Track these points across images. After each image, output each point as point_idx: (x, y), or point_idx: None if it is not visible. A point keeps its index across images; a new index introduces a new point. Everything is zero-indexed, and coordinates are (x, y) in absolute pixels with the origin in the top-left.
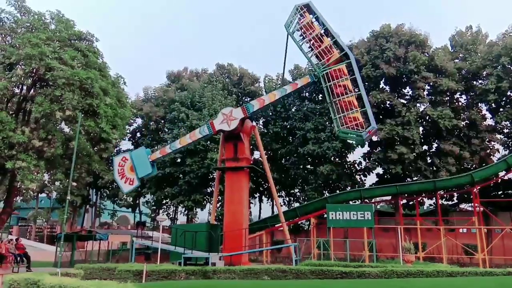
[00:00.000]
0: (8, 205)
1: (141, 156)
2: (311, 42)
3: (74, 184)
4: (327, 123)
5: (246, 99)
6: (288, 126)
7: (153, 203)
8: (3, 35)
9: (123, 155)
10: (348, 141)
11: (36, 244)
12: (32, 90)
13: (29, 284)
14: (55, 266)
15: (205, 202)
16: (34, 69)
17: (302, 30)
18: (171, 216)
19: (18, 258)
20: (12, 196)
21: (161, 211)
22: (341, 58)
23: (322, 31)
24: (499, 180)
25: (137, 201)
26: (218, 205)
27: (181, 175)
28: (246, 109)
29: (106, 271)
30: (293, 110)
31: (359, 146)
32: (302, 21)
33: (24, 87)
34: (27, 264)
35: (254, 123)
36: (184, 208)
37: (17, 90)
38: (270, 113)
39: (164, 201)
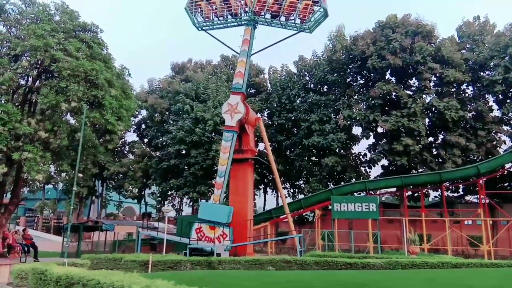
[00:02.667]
0: (15, 196)
1: (208, 209)
2: None
3: (80, 175)
4: (332, 115)
5: (250, 91)
6: (293, 118)
7: (158, 195)
8: (8, 27)
9: (196, 227)
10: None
11: (43, 234)
12: (37, 82)
13: (37, 274)
14: (62, 256)
15: (210, 193)
16: (39, 61)
17: None
18: (176, 207)
19: (26, 248)
20: (19, 187)
21: (166, 202)
22: None
23: None
24: (505, 171)
25: (143, 193)
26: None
27: (186, 167)
28: (237, 91)
29: (113, 261)
30: (297, 101)
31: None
32: None
33: (30, 79)
34: (35, 254)
35: (259, 115)
36: (189, 200)
37: (22, 82)
38: (275, 105)
39: (169, 193)
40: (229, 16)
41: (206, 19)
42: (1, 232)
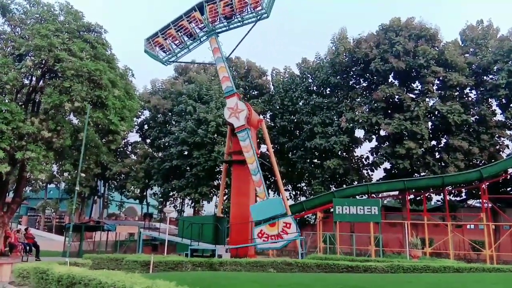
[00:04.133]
0: (18, 195)
1: (260, 209)
2: None
3: (83, 175)
4: (335, 117)
5: (253, 93)
6: (295, 120)
7: (160, 195)
8: (12, 26)
9: (257, 232)
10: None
11: (45, 234)
12: (41, 81)
13: (38, 273)
14: (64, 255)
15: (211, 194)
16: (43, 60)
17: None
18: (178, 208)
19: (27, 248)
20: (21, 186)
21: (168, 203)
22: None
23: None
24: (508, 176)
25: (145, 193)
26: (224, 198)
27: (188, 168)
28: (230, 93)
29: (114, 261)
30: (300, 104)
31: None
32: None
33: (34, 78)
34: (36, 253)
35: (261, 117)
36: (191, 201)
37: (26, 81)
38: (277, 107)
39: (171, 193)
40: (187, 39)
41: (168, 52)
42: (3, 231)
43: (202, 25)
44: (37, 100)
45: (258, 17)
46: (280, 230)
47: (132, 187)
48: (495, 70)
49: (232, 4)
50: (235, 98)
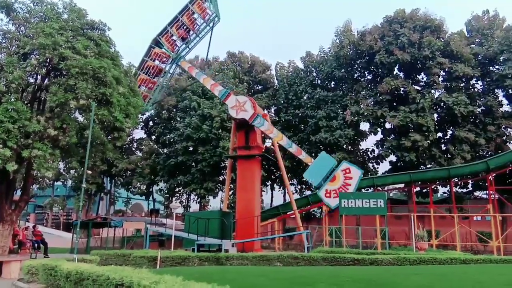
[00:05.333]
0: (25, 193)
1: (315, 170)
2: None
3: (89, 172)
4: (340, 110)
5: (257, 87)
6: (300, 114)
7: (166, 191)
8: (17, 25)
9: (324, 193)
10: None
11: (53, 231)
12: (46, 80)
13: (47, 270)
14: (72, 252)
15: (217, 190)
16: (48, 59)
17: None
18: (184, 203)
19: (36, 245)
20: (28, 184)
21: (174, 198)
22: None
23: None
24: None
25: (151, 189)
26: (230, 193)
27: (193, 164)
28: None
29: (121, 257)
30: (304, 98)
31: (372, 133)
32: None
33: (39, 77)
34: (45, 250)
35: (265, 111)
36: (196, 196)
37: (31, 80)
38: (282, 101)
39: (177, 189)
40: (159, 78)
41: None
42: (12, 228)
43: (165, 59)
44: (42, 98)
45: (212, 23)
46: (343, 179)
47: (138, 183)
48: (501, 60)
49: (183, 24)
50: (232, 96)
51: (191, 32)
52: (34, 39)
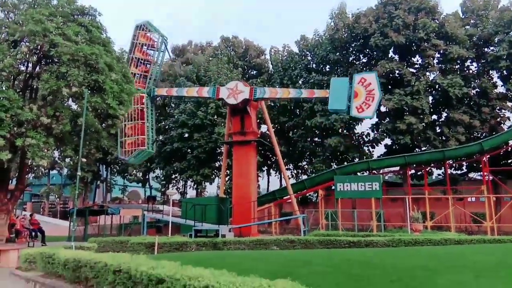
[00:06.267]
0: (20, 182)
1: (337, 90)
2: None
3: (84, 160)
4: None
5: (252, 72)
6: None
7: (162, 178)
8: (6, 12)
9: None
10: None
11: (50, 219)
12: (37, 67)
13: (45, 258)
14: (69, 240)
15: (213, 176)
16: (39, 46)
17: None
18: (181, 190)
19: (33, 233)
20: (23, 173)
21: (170, 185)
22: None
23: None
24: (509, 148)
25: (147, 176)
26: (226, 178)
27: (189, 150)
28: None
29: (119, 244)
30: (300, 82)
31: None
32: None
33: (30, 64)
34: (42, 238)
35: None
36: (193, 182)
37: (22, 68)
38: (277, 86)
39: (173, 176)
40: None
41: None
42: (8, 218)
43: (143, 99)
44: (34, 86)
45: (163, 44)
46: (364, 90)
47: (134, 170)
48: (496, 41)
49: (139, 60)
50: (222, 88)
51: (150, 63)
52: (23, 26)
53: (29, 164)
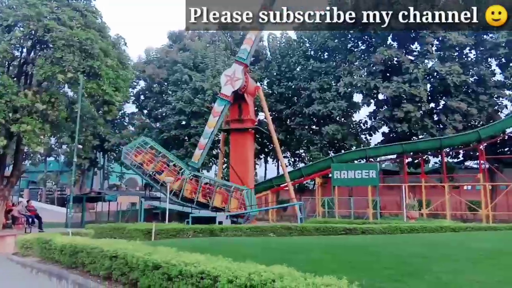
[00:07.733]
0: (17, 169)
1: None
2: None
3: (80, 146)
4: (333, 82)
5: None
6: (293, 87)
7: None
8: None
9: None
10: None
11: (47, 206)
12: (32, 53)
13: (41, 243)
14: (66, 226)
15: (211, 163)
16: (33, 31)
17: None
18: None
19: (30, 220)
20: (19, 160)
21: None
22: None
23: None
24: (506, 136)
25: None
26: (224, 166)
27: (186, 138)
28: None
29: (116, 230)
30: (297, 70)
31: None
32: None
33: (24, 50)
34: (39, 225)
35: (258, 84)
36: None
37: (17, 53)
38: (275, 73)
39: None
40: None
41: None
42: (4, 204)
43: None
44: (29, 72)
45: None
46: None
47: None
48: (495, 28)
49: None
50: (225, 86)
51: None
52: (17, 11)
53: (25, 150)
